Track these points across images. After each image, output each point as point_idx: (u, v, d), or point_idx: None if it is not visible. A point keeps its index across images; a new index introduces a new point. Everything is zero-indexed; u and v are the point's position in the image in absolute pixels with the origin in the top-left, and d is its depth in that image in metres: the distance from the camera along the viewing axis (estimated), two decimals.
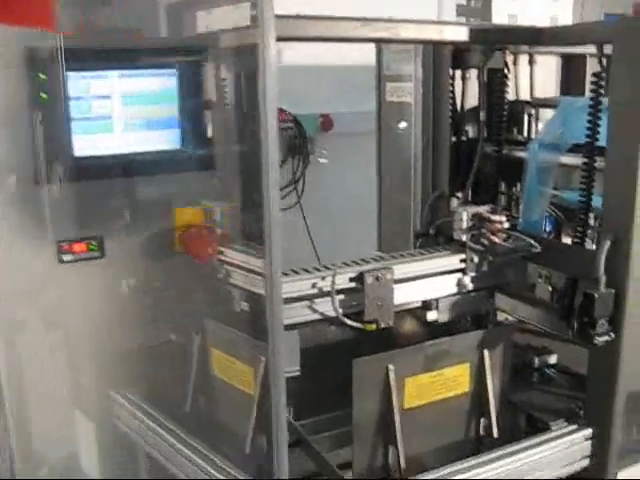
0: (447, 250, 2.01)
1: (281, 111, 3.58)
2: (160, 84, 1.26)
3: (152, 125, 1.26)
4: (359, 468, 1.86)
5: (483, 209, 1.96)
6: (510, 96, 2.42)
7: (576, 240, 2.01)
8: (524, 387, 2.15)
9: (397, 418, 1.85)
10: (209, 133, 1.27)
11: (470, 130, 2.41)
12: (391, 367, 1.84)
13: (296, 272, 1.82)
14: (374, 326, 1.82)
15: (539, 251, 1.92)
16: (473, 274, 2.00)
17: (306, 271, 1.83)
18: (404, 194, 2.51)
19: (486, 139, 2.31)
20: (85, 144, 1.37)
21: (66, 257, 1.50)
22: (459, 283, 1.99)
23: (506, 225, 1.94)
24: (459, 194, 2.43)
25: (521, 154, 2.21)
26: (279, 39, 1.39)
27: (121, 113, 1.31)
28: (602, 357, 1.90)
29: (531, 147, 2.15)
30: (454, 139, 2.38)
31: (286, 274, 1.81)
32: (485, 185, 2.33)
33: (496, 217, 1.92)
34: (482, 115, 2.19)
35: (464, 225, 1.94)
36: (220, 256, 1.86)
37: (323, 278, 1.78)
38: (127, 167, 1.33)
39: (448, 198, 2.39)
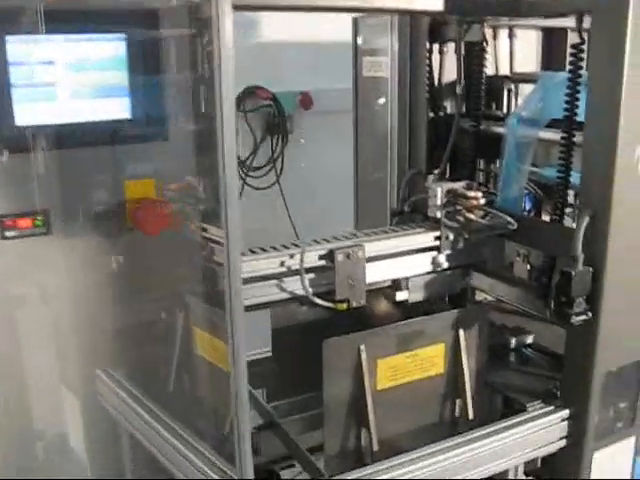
0: (421, 227, 1.94)
1: (259, 89, 3.50)
2: (108, 50, 1.17)
3: (99, 93, 1.17)
4: (331, 451, 1.79)
5: (459, 185, 1.88)
6: (489, 71, 2.35)
7: (555, 217, 1.94)
8: (501, 368, 2.09)
9: (369, 400, 1.78)
10: (162, 102, 1.18)
11: (448, 105, 2.33)
12: (362, 348, 1.77)
13: (264, 250, 1.74)
14: (345, 305, 1.75)
15: (515, 228, 1.85)
16: (448, 252, 1.93)
17: (274, 249, 1.75)
18: (381, 171, 2.44)
19: (464, 114, 2.24)
20: (27, 113, 1.26)
21: (9, 233, 1.41)
22: (434, 261, 1.92)
23: (482, 201, 1.86)
24: (437, 171, 2.36)
25: (499, 130, 2.14)
26: (237, 8, 1.29)
27: (66, 80, 1.20)
28: (579, 337, 1.84)
29: (509, 122, 2.07)
30: (432, 115, 2.30)
31: (254, 252, 1.73)
32: (463, 162, 2.25)
33: (472, 193, 1.84)
34: (459, 89, 2.11)
35: (438, 202, 1.87)
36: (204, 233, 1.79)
37: (292, 256, 1.70)
38: (73, 137, 1.23)
39: (425, 175, 2.31)
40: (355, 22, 2.47)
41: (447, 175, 2.32)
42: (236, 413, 1.33)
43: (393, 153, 2.35)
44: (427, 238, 1.89)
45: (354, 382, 1.78)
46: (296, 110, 3.59)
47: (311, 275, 1.75)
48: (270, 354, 2.05)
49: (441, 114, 2.31)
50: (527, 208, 2.29)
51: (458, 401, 1.94)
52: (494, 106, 2.32)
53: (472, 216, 1.84)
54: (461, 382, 1.92)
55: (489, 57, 2.31)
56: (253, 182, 3.57)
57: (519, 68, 2.45)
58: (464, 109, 2.24)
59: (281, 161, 3.64)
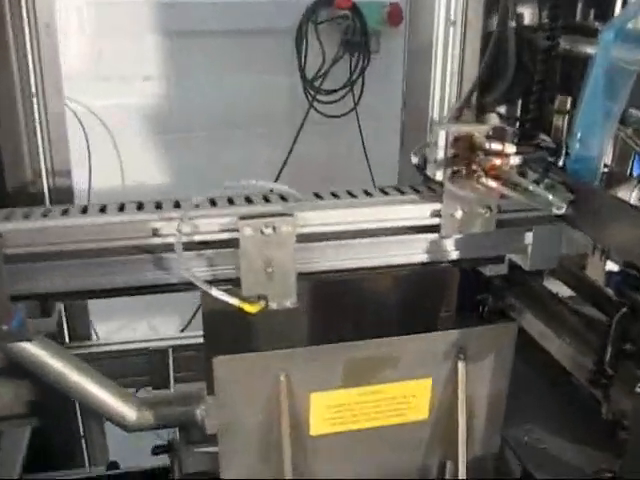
0: (418, 194, 1.15)
1: None
2: None
3: None
4: None
5: (479, 130, 1.06)
6: None
7: None
8: (538, 419, 1.29)
9: (286, 449, 1.08)
10: None
11: (526, 14, 1.48)
12: (282, 377, 1.06)
13: (140, 207, 1.05)
14: (257, 307, 1.03)
15: (562, 212, 1.01)
16: (458, 236, 1.13)
17: (158, 208, 1.05)
18: (425, 103, 1.63)
19: (542, 26, 1.38)
20: None
21: None
22: (429, 248, 1.13)
23: (515, 161, 1.04)
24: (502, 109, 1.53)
25: (588, 49, 1.27)
26: None
27: None
28: None
29: (602, 36, 1.20)
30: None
31: (122, 209, 1.04)
32: (534, 96, 1.40)
33: (495, 145, 1.02)
34: None
35: (439, 155, 1.06)
36: None
37: (170, 220, 1.00)
38: None
39: (482, 112, 1.49)
40: None
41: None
42: None
43: (436, 78, 1.53)
44: (421, 212, 1.11)
45: (266, 422, 1.09)
46: (382, 25, 2.76)
47: (209, 251, 1.04)
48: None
49: (513, 25, 1.45)
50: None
51: (448, 464, 1.19)
52: (592, 15, 1.42)
53: (492, 183, 1.03)
54: (454, 436, 1.16)
55: None
56: (324, 108, 2.84)
57: None
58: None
59: (360, 85, 2.86)
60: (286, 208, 1.04)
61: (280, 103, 2.87)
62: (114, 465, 1.48)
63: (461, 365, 1.14)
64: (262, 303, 1.05)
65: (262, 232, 1.00)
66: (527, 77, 1.44)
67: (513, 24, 1.44)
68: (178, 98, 2.81)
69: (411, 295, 1.24)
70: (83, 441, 1.68)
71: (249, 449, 1.11)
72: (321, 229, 1.06)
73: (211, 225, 1.02)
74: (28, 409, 1.56)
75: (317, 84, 2.80)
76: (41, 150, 1.40)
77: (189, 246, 1.04)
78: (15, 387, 1.56)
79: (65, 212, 1.03)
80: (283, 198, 1.09)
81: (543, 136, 1.27)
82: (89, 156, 2.67)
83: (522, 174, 1.24)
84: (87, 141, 2.68)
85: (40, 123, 1.39)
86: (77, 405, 1.64)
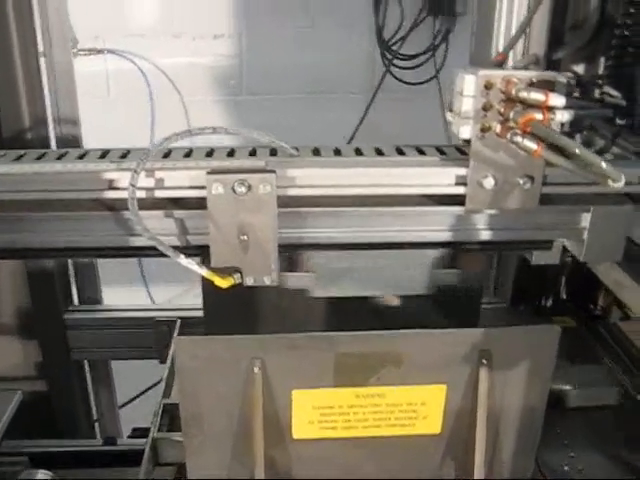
0: (443, 155, 0.91)
1: None
2: None
3: None
4: None
5: (520, 76, 0.81)
6: None
7: None
8: (591, 444, 1.04)
9: (259, 450, 0.90)
10: None
11: None
12: (257, 368, 0.87)
13: (104, 154, 0.89)
14: (229, 282, 0.85)
15: (620, 187, 0.75)
16: (490, 212, 0.90)
17: (123, 156, 0.88)
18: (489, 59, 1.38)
19: None
20: None
21: None
22: (453, 225, 0.90)
23: (563, 117, 0.79)
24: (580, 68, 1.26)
25: None
26: None
27: None
28: None
29: None
30: None
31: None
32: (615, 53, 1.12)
33: (537, 95, 0.78)
34: None
35: (466, 106, 0.83)
36: None
37: (137, 171, 0.82)
38: None
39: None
40: None
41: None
42: None
43: (501, 27, 1.28)
44: (442, 177, 0.87)
45: (238, 418, 0.91)
46: None
47: (182, 212, 0.86)
48: None
49: None
50: None
51: None
52: None
53: (531, 144, 0.79)
54: (471, 456, 0.94)
55: None
56: (403, 75, 2.60)
57: None
58: None
59: (444, 49, 2.58)
60: (269, 164, 0.84)
61: (356, 67, 2.66)
62: (111, 440, 1.35)
63: (483, 371, 0.91)
64: (236, 277, 0.86)
65: (234, 190, 0.81)
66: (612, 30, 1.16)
67: None
68: (249, 58, 2.67)
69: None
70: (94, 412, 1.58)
71: (219, 447, 0.93)
72: (312, 192, 0.86)
73: (178, 179, 0.84)
74: (33, 372, 1.47)
75: (395, 48, 2.56)
76: (48, 100, 1.28)
77: (157, 204, 0.87)
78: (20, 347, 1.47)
79: (19, 158, 0.88)
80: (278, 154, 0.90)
81: (611, 90, 1.00)
82: (152, 114, 2.58)
83: (587, 143, 0.99)
84: (151, 99, 2.58)
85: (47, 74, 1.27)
86: (86, 370, 1.53)
